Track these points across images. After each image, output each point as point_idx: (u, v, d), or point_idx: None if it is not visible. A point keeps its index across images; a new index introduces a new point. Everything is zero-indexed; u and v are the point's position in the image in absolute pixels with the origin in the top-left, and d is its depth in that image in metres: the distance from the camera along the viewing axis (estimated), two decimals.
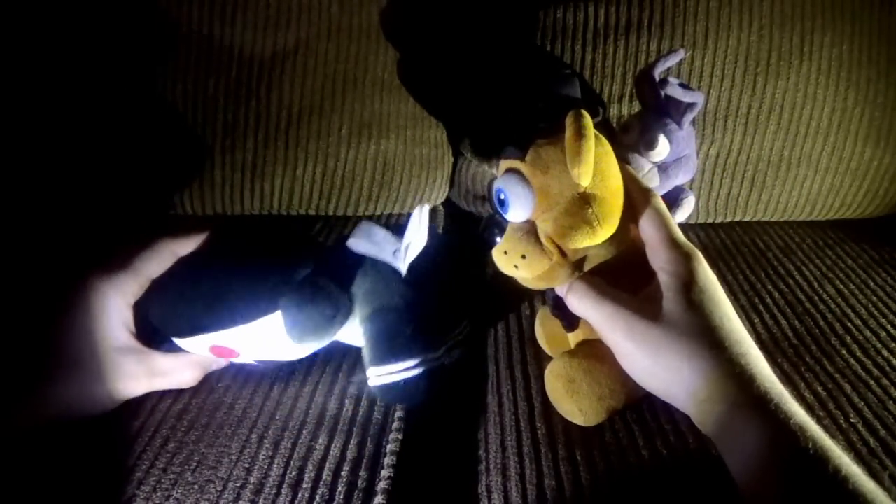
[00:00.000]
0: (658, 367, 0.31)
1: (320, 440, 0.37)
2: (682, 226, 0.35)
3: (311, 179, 0.64)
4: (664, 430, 0.37)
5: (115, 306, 0.37)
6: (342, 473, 0.35)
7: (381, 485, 0.35)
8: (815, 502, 0.25)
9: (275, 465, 0.35)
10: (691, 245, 0.33)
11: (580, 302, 0.33)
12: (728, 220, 0.66)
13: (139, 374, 0.38)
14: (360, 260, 0.39)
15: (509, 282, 0.35)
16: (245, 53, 0.62)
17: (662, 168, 0.45)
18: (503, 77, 0.62)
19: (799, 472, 0.26)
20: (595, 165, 0.30)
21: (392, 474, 0.36)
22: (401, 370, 0.37)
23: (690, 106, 0.43)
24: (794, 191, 0.63)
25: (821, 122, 0.61)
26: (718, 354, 0.29)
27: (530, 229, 0.32)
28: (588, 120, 0.30)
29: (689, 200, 0.48)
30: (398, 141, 0.65)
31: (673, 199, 0.48)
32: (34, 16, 0.60)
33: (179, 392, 0.41)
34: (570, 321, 0.38)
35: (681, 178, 0.46)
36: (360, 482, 0.35)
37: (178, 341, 0.39)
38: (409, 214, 0.38)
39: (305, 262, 0.38)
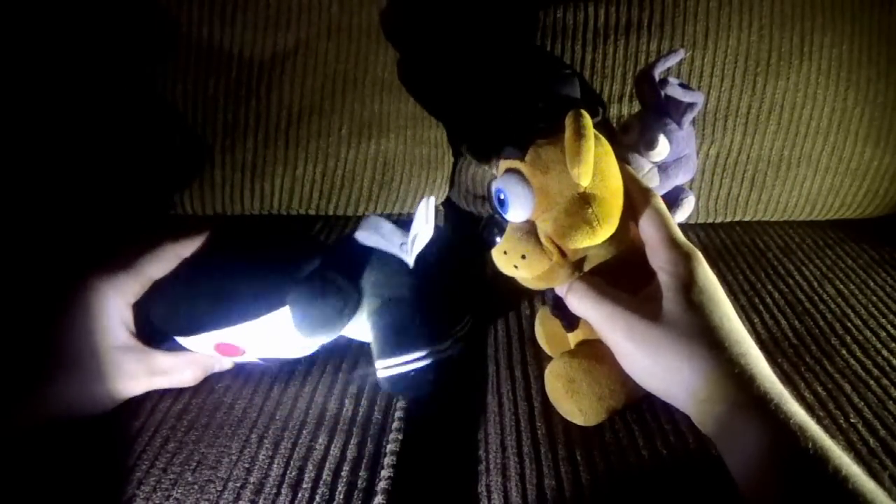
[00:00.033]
0: (658, 367, 0.31)
1: (320, 440, 0.37)
2: (682, 226, 0.35)
3: (311, 179, 0.64)
4: (664, 430, 0.37)
5: (115, 306, 0.37)
6: (342, 473, 0.35)
7: (381, 485, 0.35)
8: (816, 502, 0.25)
9: (275, 465, 0.35)
10: (691, 245, 0.33)
11: (580, 302, 0.33)
12: (728, 220, 0.66)
13: (139, 373, 0.38)
14: (367, 253, 0.39)
15: (509, 282, 0.35)
16: (245, 53, 0.62)
17: (662, 168, 0.45)
18: (503, 77, 0.62)
19: (799, 472, 0.26)
20: (595, 165, 0.30)
21: (392, 474, 0.36)
22: (409, 361, 0.37)
23: (690, 106, 0.43)
24: (794, 191, 0.63)
25: (821, 122, 0.61)
26: (718, 354, 0.29)
27: (530, 229, 0.32)
28: (588, 120, 0.30)
29: (689, 200, 0.48)
30: (398, 141, 0.65)
31: (673, 199, 0.48)
32: (34, 16, 0.60)
33: (179, 392, 0.41)
34: (570, 321, 0.38)
35: (681, 178, 0.46)
36: (360, 482, 0.35)
37: (182, 340, 0.39)
38: (414, 211, 0.38)
39: (313, 256, 0.38)
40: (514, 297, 0.51)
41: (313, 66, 0.63)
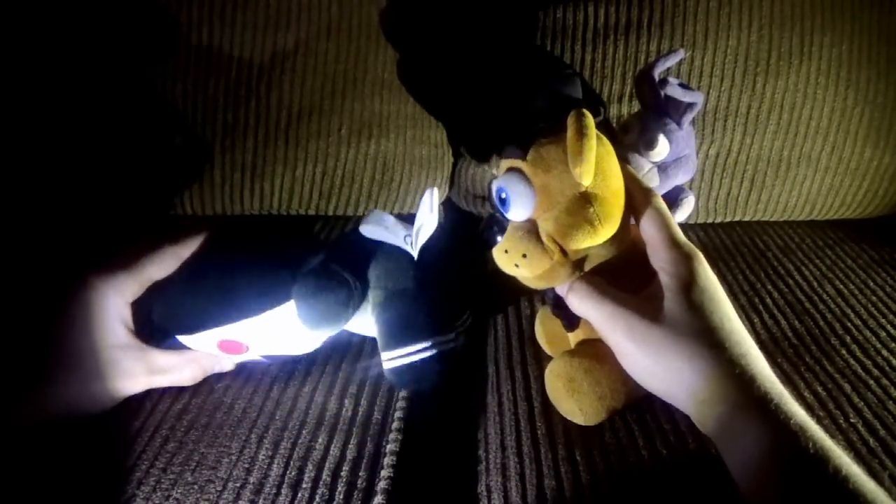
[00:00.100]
0: (658, 367, 0.31)
1: (320, 440, 0.37)
2: (682, 226, 0.35)
3: (311, 179, 0.64)
4: (664, 430, 0.37)
5: (114, 305, 0.37)
6: (342, 473, 0.35)
7: (381, 485, 0.35)
8: (816, 502, 0.25)
9: (274, 465, 0.35)
10: (692, 245, 0.33)
11: (581, 301, 0.33)
12: (728, 220, 0.66)
13: (138, 371, 0.38)
14: (371, 246, 0.39)
15: (509, 281, 0.35)
16: (245, 53, 0.62)
17: (662, 168, 0.45)
18: (503, 77, 0.62)
19: (799, 472, 0.26)
20: (596, 165, 0.30)
21: (392, 474, 0.36)
22: (414, 352, 0.37)
23: (690, 106, 0.43)
24: (793, 191, 0.63)
25: (821, 122, 0.61)
26: (719, 355, 0.29)
27: (531, 228, 0.32)
28: (590, 119, 0.30)
29: (688, 200, 0.48)
30: (398, 141, 0.65)
31: (673, 199, 0.48)
32: (34, 16, 0.60)
33: (179, 392, 0.41)
34: (571, 321, 0.38)
35: (680, 178, 0.46)
36: (359, 482, 0.35)
37: (184, 339, 0.38)
38: (417, 204, 0.38)
39: (316, 250, 0.38)
40: (515, 297, 0.51)
41: (313, 66, 0.63)
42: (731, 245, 0.61)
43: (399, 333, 0.37)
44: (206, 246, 0.39)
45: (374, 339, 0.39)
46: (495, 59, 0.65)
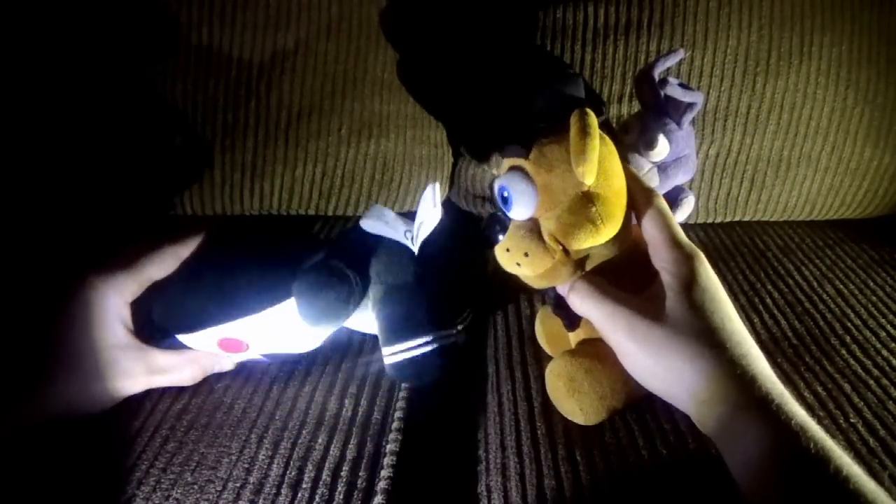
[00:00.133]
0: (659, 367, 0.31)
1: (320, 440, 0.37)
2: (682, 226, 0.35)
3: (310, 179, 0.64)
4: (664, 430, 0.37)
5: (113, 304, 0.37)
6: (342, 473, 0.35)
7: (381, 485, 0.35)
8: (817, 502, 0.25)
9: (274, 465, 0.35)
10: (693, 245, 0.33)
11: (582, 301, 0.33)
12: (728, 220, 0.66)
13: (138, 371, 0.38)
14: (371, 242, 0.39)
15: (510, 281, 0.35)
16: (245, 53, 0.62)
17: (662, 168, 0.45)
18: (505, 76, 0.62)
19: (800, 472, 0.26)
20: (599, 165, 0.30)
21: (392, 474, 0.36)
22: (415, 346, 0.37)
23: (690, 106, 0.43)
24: (793, 191, 0.63)
25: (820, 122, 0.61)
26: (720, 355, 0.29)
27: (533, 227, 0.32)
28: (593, 119, 0.30)
29: (688, 200, 0.48)
30: (398, 141, 0.65)
31: (672, 199, 0.48)
32: (34, 16, 0.60)
33: (179, 392, 0.41)
34: (572, 320, 0.38)
35: (680, 178, 0.46)
36: (359, 482, 0.35)
37: (184, 338, 0.38)
38: (419, 200, 0.38)
39: (317, 247, 0.38)
40: (515, 297, 0.51)
41: (313, 66, 0.63)
42: (731, 245, 0.61)
43: (400, 328, 0.37)
44: (205, 245, 0.39)
45: (374, 338, 0.39)
46: (496, 58, 0.65)
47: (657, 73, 0.44)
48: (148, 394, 0.40)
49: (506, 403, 0.41)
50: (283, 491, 0.34)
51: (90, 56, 0.60)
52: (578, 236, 0.31)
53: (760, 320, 0.48)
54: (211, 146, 0.62)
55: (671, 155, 0.45)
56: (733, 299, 0.32)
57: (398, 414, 0.40)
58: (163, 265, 0.38)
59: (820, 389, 0.40)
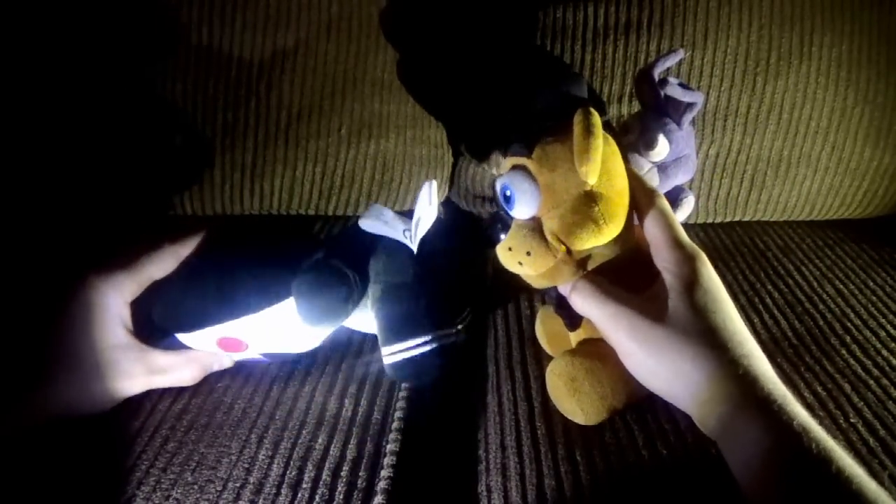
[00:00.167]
0: (661, 367, 0.31)
1: (320, 440, 0.37)
2: (682, 226, 0.35)
3: (310, 179, 0.64)
4: (664, 430, 0.37)
5: (113, 304, 0.37)
6: (342, 473, 0.35)
7: (381, 485, 0.35)
8: (819, 503, 0.25)
9: (274, 465, 0.35)
10: (695, 246, 0.33)
11: (584, 301, 0.33)
12: (728, 220, 0.66)
13: (137, 371, 0.38)
14: (370, 241, 0.39)
15: (510, 281, 0.35)
16: (245, 53, 0.62)
17: (662, 168, 0.45)
18: (507, 76, 0.62)
19: (802, 472, 0.26)
20: (602, 164, 0.30)
21: (392, 474, 0.36)
22: (415, 345, 0.37)
23: (690, 106, 0.43)
24: (793, 191, 0.63)
25: (820, 122, 0.61)
26: (721, 355, 0.29)
27: (535, 226, 0.32)
28: (597, 118, 0.29)
29: (688, 200, 0.48)
30: (398, 141, 0.65)
31: (672, 199, 0.48)
32: (34, 16, 0.60)
33: (179, 392, 0.41)
34: (573, 320, 0.38)
35: (680, 178, 0.46)
36: (359, 482, 0.35)
37: (183, 337, 0.38)
38: (416, 197, 0.38)
39: (316, 246, 0.38)
40: (515, 296, 0.51)
41: (313, 66, 0.63)
42: (731, 245, 0.61)
43: (399, 327, 0.37)
44: (205, 245, 0.39)
45: (373, 338, 0.39)
46: (496, 58, 0.65)
47: (657, 73, 0.44)
48: (148, 394, 0.40)
49: (506, 403, 0.41)
50: (283, 491, 0.34)
51: (90, 56, 0.60)
52: (581, 236, 0.31)
53: (760, 320, 0.48)
54: (211, 146, 0.62)
55: (671, 155, 0.45)
56: (733, 299, 0.32)
57: (398, 414, 0.40)
58: (163, 265, 0.38)
59: (820, 389, 0.40)
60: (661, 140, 0.44)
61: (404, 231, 0.39)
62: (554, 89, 0.34)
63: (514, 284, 0.36)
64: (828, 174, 0.62)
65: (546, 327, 0.43)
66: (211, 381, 0.42)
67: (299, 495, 0.34)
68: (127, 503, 0.33)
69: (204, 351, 0.40)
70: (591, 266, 0.34)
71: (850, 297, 0.50)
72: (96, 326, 0.36)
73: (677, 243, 0.32)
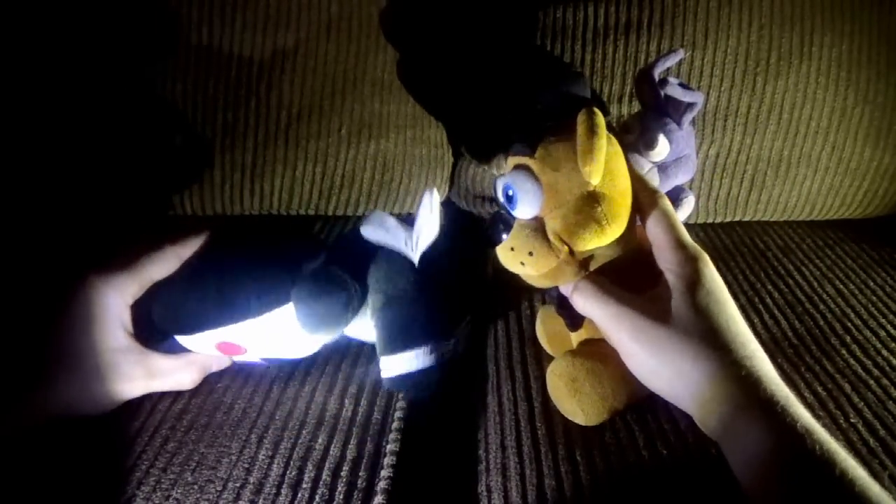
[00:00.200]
0: (663, 367, 0.31)
1: (320, 440, 0.37)
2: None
3: (310, 179, 0.64)
4: (664, 431, 0.37)
5: (114, 305, 0.37)
6: (342, 473, 0.35)
7: (381, 485, 0.35)
8: None
9: (274, 465, 0.35)
10: (698, 247, 0.33)
11: (586, 301, 0.33)
12: (728, 220, 0.66)
13: (138, 375, 0.38)
14: (371, 249, 0.39)
15: (510, 281, 0.35)
16: (245, 53, 0.62)
17: (662, 168, 0.45)
18: (508, 76, 0.62)
19: (805, 474, 0.26)
20: (605, 165, 0.29)
21: (392, 474, 0.36)
22: (414, 359, 0.37)
23: (690, 106, 0.43)
24: (793, 191, 0.63)
25: (821, 122, 0.61)
26: (723, 356, 0.29)
27: (538, 226, 0.32)
28: (601, 118, 0.29)
29: (688, 200, 0.48)
30: (398, 141, 0.65)
31: (673, 199, 0.48)
32: (34, 16, 0.60)
33: (179, 392, 0.41)
34: (574, 320, 0.38)
35: (680, 177, 0.46)
36: (359, 482, 0.35)
37: (182, 340, 0.38)
38: (417, 206, 0.38)
39: (316, 252, 0.38)
40: (515, 297, 0.51)
41: (313, 66, 0.63)
42: (731, 245, 0.61)
43: (397, 339, 0.37)
44: (207, 246, 0.39)
45: (372, 346, 0.39)
46: (497, 58, 0.65)
47: (657, 73, 0.44)
48: (148, 394, 0.40)
49: (506, 403, 0.41)
50: (283, 491, 0.34)
51: (90, 56, 0.60)
52: (584, 236, 0.31)
53: (760, 320, 0.48)
54: (211, 146, 0.62)
55: (671, 155, 0.45)
56: (734, 299, 0.32)
57: (398, 414, 0.40)
58: (164, 266, 0.38)
59: (820, 389, 0.40)
60: (662, 140, 0.44)
61: (405, 240, 0.38)
62: (556, 89, 0.34)
63: (515, 284, 0.36)
64: (828, 174, 0.62)
65: (546, 327, 0.43)
66: (211, 382, 0.42)
67: (299, 495, 0.34)
68: (127, 503, 0.33)
69: (203, 353, 0.40)
70: (593, 266, 0.34)
71: (850, 297, 0.50)
72: (97, 328, 0.36)
73: (680, 244, 0.32)
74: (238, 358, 0.41)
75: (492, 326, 0.49)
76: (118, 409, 0.39)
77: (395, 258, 0.38)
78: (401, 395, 0.42)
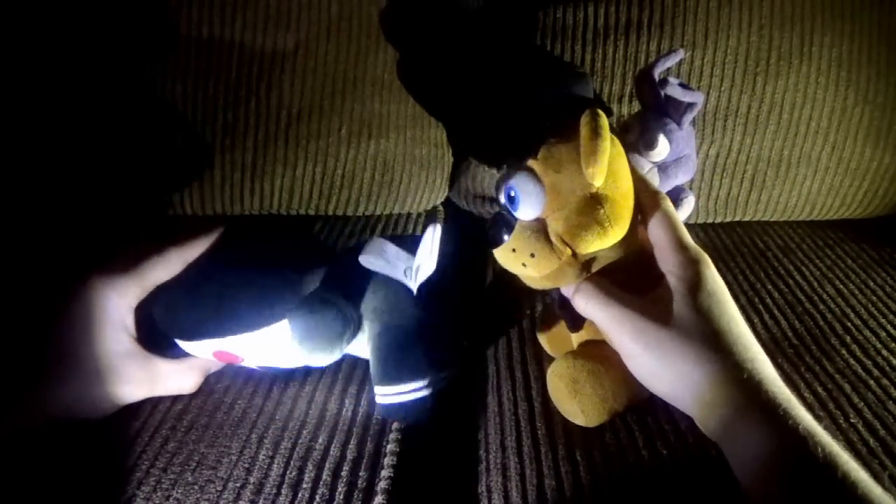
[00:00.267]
0: (665, 369, 0.31)
1: (320, 440, 0.37)
2: None
3: (310, 179, 0.64)
4: (664, 431, 0.37)
5: (116, 308, 0.37)
6: (342, 473, 0.35)
7: (381, 485, 0.35)
8: None
9: (275, 465, 0.35)
10: (700, 249, 0.33)
11: (587, 303, 0.33)
12: (728, 220, 0.66)
13: (140, 378, 0.38)
14: (370, 274, 0.39)
15: (510, 282, 0.35)
16: (245, 53, 0.62)
17: (662, 168, 0.45)
18: (510, 76, 0.62)
19: (807, 477, 0.26)
20: (608, 166, 0.29)
21: (392, 474, 0.36)
22: (409, 391, 0.37)
23: (690, 106, 0.43)
24: (793, 191, 0.63)
25: (821, 122, 0.61)
26: (725, 359, 0.29)
27: (540, 228, 0.32)
28: (604, 120, 0.29)
29: (688, 200, 0.48)
30: (398, 141, 0.65)
31: (673, 199, 0.48)
32: (34, 16, 0.60)
33: None
34: (575, 321, 0.37)
35: (681, 178, 0.46)
36: (360, 482, 0.35)
37: (181, 343, 0.38)
38: (420, 235, 0.37)
39: (315, 272, 0.38)
40: (516, 297, 0.51)
41: (313, 66, 0.63)
42: (731, 245, 0.61)
43: (393, 370, 0.37)
44: (210, 252, 0.39)
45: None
46: (497, 58, 0.65)
47: (657, 73, 0.44)
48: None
49: (506, 404, 0.41)
50: (284, 491, 0.34)
51: (90, 56, 0.60)
52: (586, 238, 0.30)
53: (760, 320, 0.48)
54: (211, 146, 0.62)
55: (671, 155, 0.45)
56: (734, 299, 0.32)
57: None
58: (168, 268, 0.38)
59: (820, 389, 0.40)
60: (662, 140, 0.44)
61: (405, 270, 0.38)
62: (558, 89, 0.34)
63: (515, 285, 0.36)
64: (828, 174, 0.62)
65: (547, 328, 0.43)
66: (211, 382, 0.42)
67: (299, 495, 0.34)
68: (127, 503, 0.33)
69: (203, 358, 0.40)
70: (595, 268, 0.34)
71: (850, 297, 0.50)
72: (98, 330, 0.36)
73: (681, 246, 0.32)
74: (236, 364, 0.41)
75: (492, 327, 0.49)
76: (118, 409, 0.39)
77: (394, 286, 0.38)
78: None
